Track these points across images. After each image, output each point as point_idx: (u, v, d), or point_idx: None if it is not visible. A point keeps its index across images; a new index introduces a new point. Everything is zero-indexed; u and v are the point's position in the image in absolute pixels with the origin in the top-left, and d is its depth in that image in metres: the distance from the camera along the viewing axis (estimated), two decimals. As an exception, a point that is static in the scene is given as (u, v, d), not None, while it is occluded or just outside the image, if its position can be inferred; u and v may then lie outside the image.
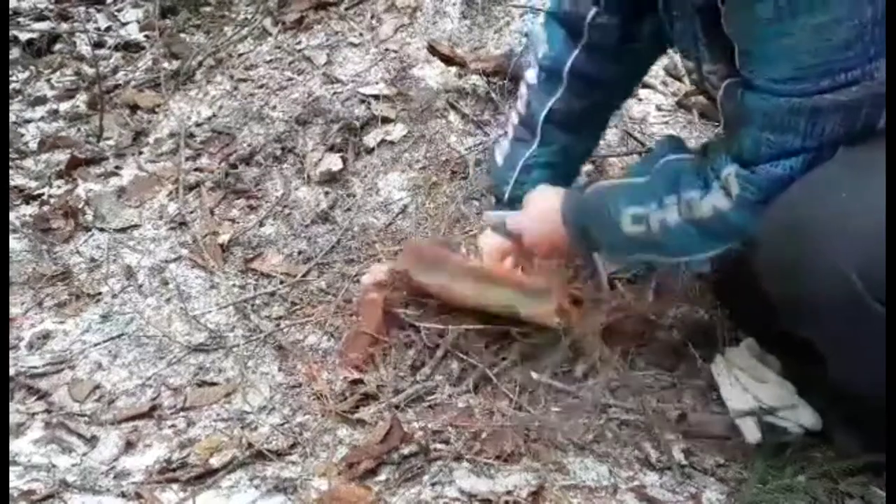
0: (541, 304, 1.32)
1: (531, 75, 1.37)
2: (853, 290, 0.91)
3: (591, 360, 1.32)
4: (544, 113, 1.35)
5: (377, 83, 1.96)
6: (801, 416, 1.18)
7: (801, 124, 0.99)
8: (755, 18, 0.97)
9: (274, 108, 1.98)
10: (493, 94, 1.87)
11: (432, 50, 1.96)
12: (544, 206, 1.28)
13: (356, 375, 1.35)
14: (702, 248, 1.12)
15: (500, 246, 1.40)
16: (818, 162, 1.00)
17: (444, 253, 1.46)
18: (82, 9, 2.47)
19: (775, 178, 1.02)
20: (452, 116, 1.87)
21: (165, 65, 2.22)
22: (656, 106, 1.88)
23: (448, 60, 1.96)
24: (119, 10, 2.53)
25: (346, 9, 2.20)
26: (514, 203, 1.39)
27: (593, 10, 1.26)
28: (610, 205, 1.18)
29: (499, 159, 1.44)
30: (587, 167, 1.64)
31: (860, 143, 0.99)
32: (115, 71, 2.28)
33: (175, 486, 1.19)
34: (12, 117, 2.14)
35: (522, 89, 1.39)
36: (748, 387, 1.21)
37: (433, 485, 1.15)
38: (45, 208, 1.83)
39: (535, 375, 1.30)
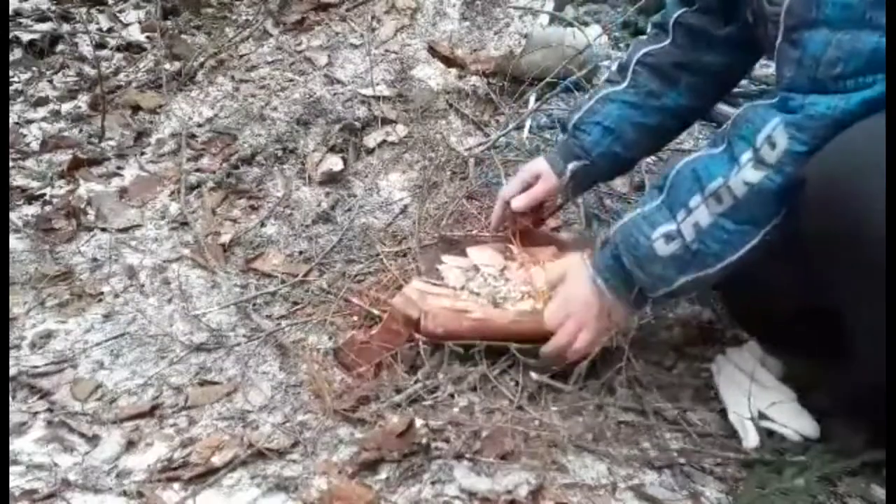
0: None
1: (645, 34, 1.41)
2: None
3: (591, 361, 1.32)
4: (639, 54, 1.38)
5: (378, 84, 1.97)
6: (799, 425, 1.18)
7: (881, 17, 0.94)
8: None
9: (275, 108, 1.98)
10: (492, 95, 1.88)
11: (432, 51, 1.97)
12: (578, 281, 1.24)
13: (358, 381, 1.35)
14: (740, 239, 1.08)
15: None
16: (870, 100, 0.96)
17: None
18: (84, 10, 2.48)
19: (825, 121, 0.99)
20: (452, 117, 1.87)
21: (167, 66, 2.23)
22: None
23: (448, 61, 1.96)
24: (121, 12, 2.54)
25: (347, 10, 2.21)
26: (577, 131, 1.39)
27: None
28: (638, 236, 1.15)
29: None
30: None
31: None
32: (116, 72, 2.29)
33: (176, 485, 1.19)
34: (14, 118, 2.14)
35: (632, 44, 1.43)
36: (747, 392, 1.21)
37: (433, 483, 1.15)
38: (47, 208, 1.84)
39: (535, 376, 1.30)
